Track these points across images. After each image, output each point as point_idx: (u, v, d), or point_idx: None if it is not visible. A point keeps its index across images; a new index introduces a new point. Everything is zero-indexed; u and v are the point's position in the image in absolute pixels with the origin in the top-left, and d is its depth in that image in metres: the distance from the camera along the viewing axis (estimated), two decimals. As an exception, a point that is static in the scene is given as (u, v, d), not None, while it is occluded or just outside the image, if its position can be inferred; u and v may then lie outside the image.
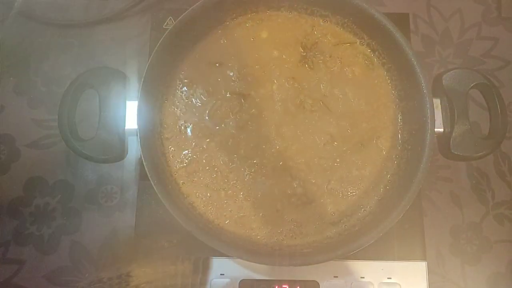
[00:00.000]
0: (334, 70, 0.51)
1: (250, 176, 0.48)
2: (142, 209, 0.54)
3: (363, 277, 0.51)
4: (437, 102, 0.46)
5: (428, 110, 0.45)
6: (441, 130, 0.46)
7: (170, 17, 0.59)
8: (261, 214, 0.47)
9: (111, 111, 0.45)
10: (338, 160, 0.49)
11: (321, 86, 0.51)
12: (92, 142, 0.44)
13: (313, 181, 0.48)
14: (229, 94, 0.50)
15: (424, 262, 0.52)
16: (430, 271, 0.53)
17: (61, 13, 0.64)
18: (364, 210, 0.48)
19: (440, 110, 0.46)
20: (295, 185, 0.48)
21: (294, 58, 0.52)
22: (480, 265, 0.55)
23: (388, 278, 0.51)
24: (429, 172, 0.44)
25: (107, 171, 0.58)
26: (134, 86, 0.49)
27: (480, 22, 0.63)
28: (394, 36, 0.47)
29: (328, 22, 0.53)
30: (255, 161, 0.49)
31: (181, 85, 0.51)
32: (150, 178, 0.43)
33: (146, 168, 0.43)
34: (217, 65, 0.51)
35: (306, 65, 0.52)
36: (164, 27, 0.59)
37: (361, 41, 0.52)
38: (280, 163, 0.49)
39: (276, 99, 0.50)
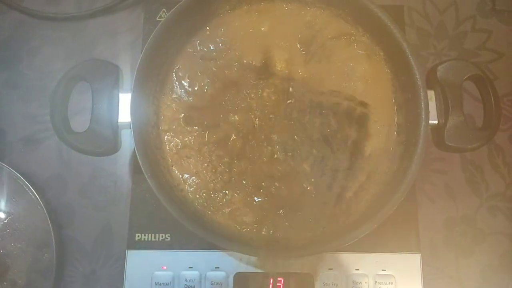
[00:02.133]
0: (330, 63, 0.51)
1: (246, 170, 0.48)
2: (136, 202, 0.54)
3: (358, 269, 0.51)
4: (431, 93, 0.46)
5: (422, 102, 0.45)
6: (435, 121, 0.46)
7: (163, 9, 0.58)
8: (256, 209, 0.47)
9: (104, 104, 0.44)
10: (331, 151, 0.49)
11: (318, 78, 0.50)
12: (85, 135, 0.44)
13: (308, 174, 0.48)
14: (223, 86, 0.50)
15: (419, 254, 0.52)
16: (424, 263, 0.53)
17: (53, 6, 0.63)
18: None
19: (434, 101, 0.46)
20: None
21: (292, 50, 0.51)
22: (473, 257, 0.55)
23: (382, 270, 0.51)
24: (423, 164, 0.44)
25: (101, 165, 0.57)
26: (127, 78, 0.48)
27: (475, 15, 0.63)
28: (389, 28, 0.47)
29: (325, 14, 0.52)
30: (249, 156, 0.48)
31: (175, 77, 0.50)
32: (144, 172, 0.43)
33: (140, 162, 0.43)
34: (212, 57, 0.51)
35: (304, 58, 0.51)
36: (157, 19, 0.58)
37: (357, 34, 0.51)
38: (274, 156, 0.48)
39: (272, 92, 0.50)
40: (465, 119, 0.45)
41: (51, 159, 0.58)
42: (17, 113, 0.59)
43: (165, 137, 0.49)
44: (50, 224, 0.53)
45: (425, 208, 0.56)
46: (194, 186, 0.48)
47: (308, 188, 0.48)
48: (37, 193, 0.54)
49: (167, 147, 0.49)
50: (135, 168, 0.56)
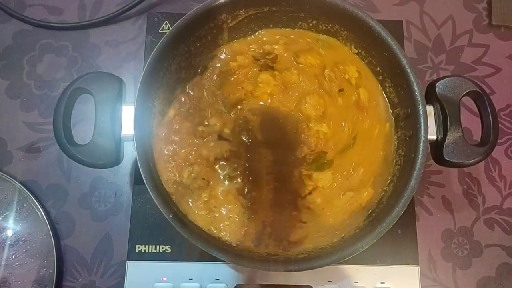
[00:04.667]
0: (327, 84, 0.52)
1: (246, 186, 0.48)
2: (137, 213, 0.54)
3: (357, 282, 0.52)
4: (430, 109, 0.47)
5: (422, 118, 0.45)
6: (434, 137, 0.46)
7: (166, 21, 0.59)
8: (257, 223, 0.48)
9: (107, 116, 0.44)
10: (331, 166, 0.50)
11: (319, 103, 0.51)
12: (87, 147, 0.44)
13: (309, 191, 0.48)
14: (226, 104, 0.50)
15: (417, 267, 0.53)
16: (422, 275, 0.54)
17: (55, 15, 0.63)
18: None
19: (433, 117, 0.47)
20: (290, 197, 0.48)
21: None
22: (471, 269, 0.56)
23: (381, 282, 0.52)
24: (421, 177, 0.44)
25: (101, 175, 0.58)
26: (130, 90, 0.49)
27: (472, 29, 0.64)
28: (389, 44, 0.47)
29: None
30: (249, 170, 0.49)
31: (179, 90, 0.51)
32: (146, 184, 0.43)
33: (142, 175, 0.43)
34: (218, 71, 0.51)
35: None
36: (160, 31, 0.58)
37: (356, 49, 0.52)
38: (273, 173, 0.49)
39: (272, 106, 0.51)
40: (463, 135, 0.45)
41: (51, 168, 0.58)
42: (17, 122, 0.59)
43: (167, 149, 0.49)
44: (50, 234, 0.53)
45: (423, 220, 0.57)
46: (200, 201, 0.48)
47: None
48: (37, 202, 0.54)
49: (169, 160, 0.49)
50: (136, 179, 0.56)
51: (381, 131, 0.51)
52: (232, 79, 0.52)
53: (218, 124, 0.50)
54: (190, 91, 0.51)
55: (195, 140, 0.49)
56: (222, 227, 0.47)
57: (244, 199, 0.48)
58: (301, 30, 0.53)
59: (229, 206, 0.48)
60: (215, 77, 0.52)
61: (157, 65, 0.46)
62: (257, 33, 0.53)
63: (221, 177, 0.49)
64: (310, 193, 0.48)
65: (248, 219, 0.47)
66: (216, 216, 0.47)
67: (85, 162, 0.43)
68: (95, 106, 0.45)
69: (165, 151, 0.49)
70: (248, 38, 0.53)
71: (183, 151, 0.49)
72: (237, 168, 0.49)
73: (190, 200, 0.48)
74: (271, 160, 0.49)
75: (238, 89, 0.51)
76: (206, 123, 0.50)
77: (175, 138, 0.49)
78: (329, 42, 0.53)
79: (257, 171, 0.49)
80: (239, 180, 0.48)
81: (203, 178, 0.48)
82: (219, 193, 0.48)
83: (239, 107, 0.51)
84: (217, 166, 0.49)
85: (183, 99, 0.51)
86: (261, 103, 0.52)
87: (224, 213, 0.48)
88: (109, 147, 0.44)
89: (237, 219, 0.47)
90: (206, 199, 0.48)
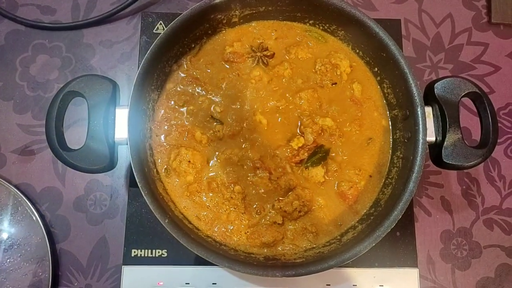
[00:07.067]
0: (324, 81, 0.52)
1: (238, 187, 0.48)
2: (132, 217, 0.53)
3: (356, 285, 0.51)
4: (428, 110, 0.46)
5: (420, 119, 0.45)
6: (433, 139, 0.46)
7: (160, 21, 0.58)
8: (254, 226, 0.47)
9: (100, 120, 0.44)
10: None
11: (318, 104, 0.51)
12: (80, 152, 0.43)
13: (307, 193, 0.48)
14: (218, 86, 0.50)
15: (416, 269, 0.52)
16: (421, 277, 0.53)
17: (48, 16, 0.62)
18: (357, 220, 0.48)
19: (432, 118, 0.46)
20: (291, 198, 0.48)
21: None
22: (470, 270, 0.56)
23: (380, 285, 0.51)
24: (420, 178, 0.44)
25: (96, 178, 0.57)
26: (123, 92, 0.48)
27: (471, 28, 0.63)
28: (387, 45, 0.47)
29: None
30: (245, 171, 0.48)
31: (173, 92, 0.50)
32: (140, 189, 0.42)
33: (137, 180, 0.42)
34: (212, 71, 0.51)
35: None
36: (154, 31, 0.57)
37: (353, 49, 0.52)
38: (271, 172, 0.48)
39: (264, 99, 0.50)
40: (462, 137, 0.45)
41: (45, 171, 0.57)
42: (10, 124, 0.59)
43: (161, 153, 0.49)
44: (45, 238, 0.52)
45: (422, 221, 0.57)
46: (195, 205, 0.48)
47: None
48: (32, 206, 0.54)
49: (163, 164, 0.48)
50: (131, 182, 0.55)
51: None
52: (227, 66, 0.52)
53: (207, 102, 0.50)
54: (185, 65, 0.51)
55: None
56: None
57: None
58: (294, 23, 0.53)
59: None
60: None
61: (150, 68, 0.45)
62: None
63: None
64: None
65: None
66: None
67: (78, 167, 0.43)
68: (88, 110, 0.44)
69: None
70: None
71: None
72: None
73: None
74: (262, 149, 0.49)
75: (229, 76, 0.51)
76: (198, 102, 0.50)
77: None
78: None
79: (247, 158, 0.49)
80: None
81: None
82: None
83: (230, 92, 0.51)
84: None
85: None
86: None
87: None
88: (103, 152, 0.43)
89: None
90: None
